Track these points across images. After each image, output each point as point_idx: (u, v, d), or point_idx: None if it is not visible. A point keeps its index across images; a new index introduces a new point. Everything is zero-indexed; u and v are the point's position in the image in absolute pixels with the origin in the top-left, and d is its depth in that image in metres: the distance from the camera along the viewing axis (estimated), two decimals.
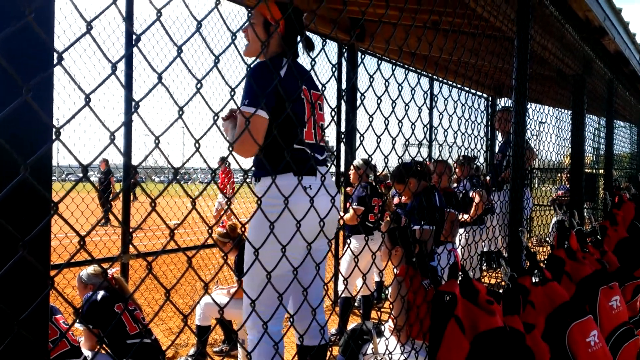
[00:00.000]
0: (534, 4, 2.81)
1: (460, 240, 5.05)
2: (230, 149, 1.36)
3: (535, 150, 5.46)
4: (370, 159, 1.82)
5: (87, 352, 2.93)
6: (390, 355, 2.47)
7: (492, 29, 3.21)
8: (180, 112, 0.97)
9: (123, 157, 3.58)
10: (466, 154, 3.06)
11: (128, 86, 3.79)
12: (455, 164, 5.42)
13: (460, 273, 1.91)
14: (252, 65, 2.20)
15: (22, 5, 0.68)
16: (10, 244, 0.69)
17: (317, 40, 4.59)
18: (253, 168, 2.38)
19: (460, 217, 5.31)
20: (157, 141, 0.89)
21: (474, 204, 5.22)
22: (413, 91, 2.13)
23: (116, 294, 3.22)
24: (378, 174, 5.22)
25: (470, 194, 5.31)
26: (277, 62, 2.29)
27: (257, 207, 1.50)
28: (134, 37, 0.90)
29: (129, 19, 3.87)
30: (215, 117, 1.15)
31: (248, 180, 2.79)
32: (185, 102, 0.99)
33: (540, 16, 3.12)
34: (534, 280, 2.49)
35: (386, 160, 1.82)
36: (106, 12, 0.91)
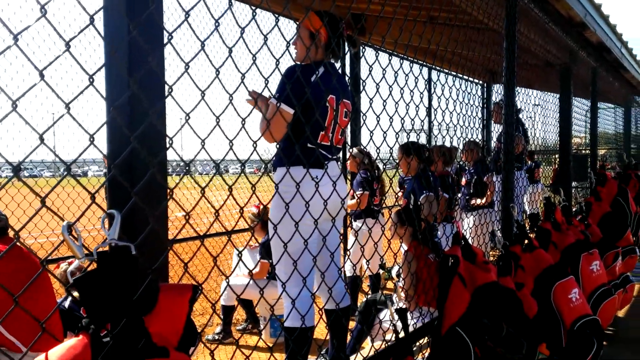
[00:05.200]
0: (520, 8, 3.20)
1: (470, 222, 5.42)
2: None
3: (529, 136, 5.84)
4: (368, 145, 2.23)
5: None
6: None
7: (482, 23, 3.60)
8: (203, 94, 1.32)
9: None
10: (466, 136, 3.34)
11: None
12: (464, 149, 5.76)
13: (461, 240, 2.33)
14: (287, 68, 2.58)
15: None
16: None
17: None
18: (273, 159, 2.77)
19: (472, 201, 5.70)
20: (187, 117, 1.24)
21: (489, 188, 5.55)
22: (416, 80, 2.56)
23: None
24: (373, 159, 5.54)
25: (485, 178, 5.63)
26: (312, 68, 2.63)
27: (275, 191, 1.88)
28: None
29: None
30: (231, 98, 1.44)
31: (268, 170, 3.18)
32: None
33: (526, 16, 3.51)
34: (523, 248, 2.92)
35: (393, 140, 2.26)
36: None
